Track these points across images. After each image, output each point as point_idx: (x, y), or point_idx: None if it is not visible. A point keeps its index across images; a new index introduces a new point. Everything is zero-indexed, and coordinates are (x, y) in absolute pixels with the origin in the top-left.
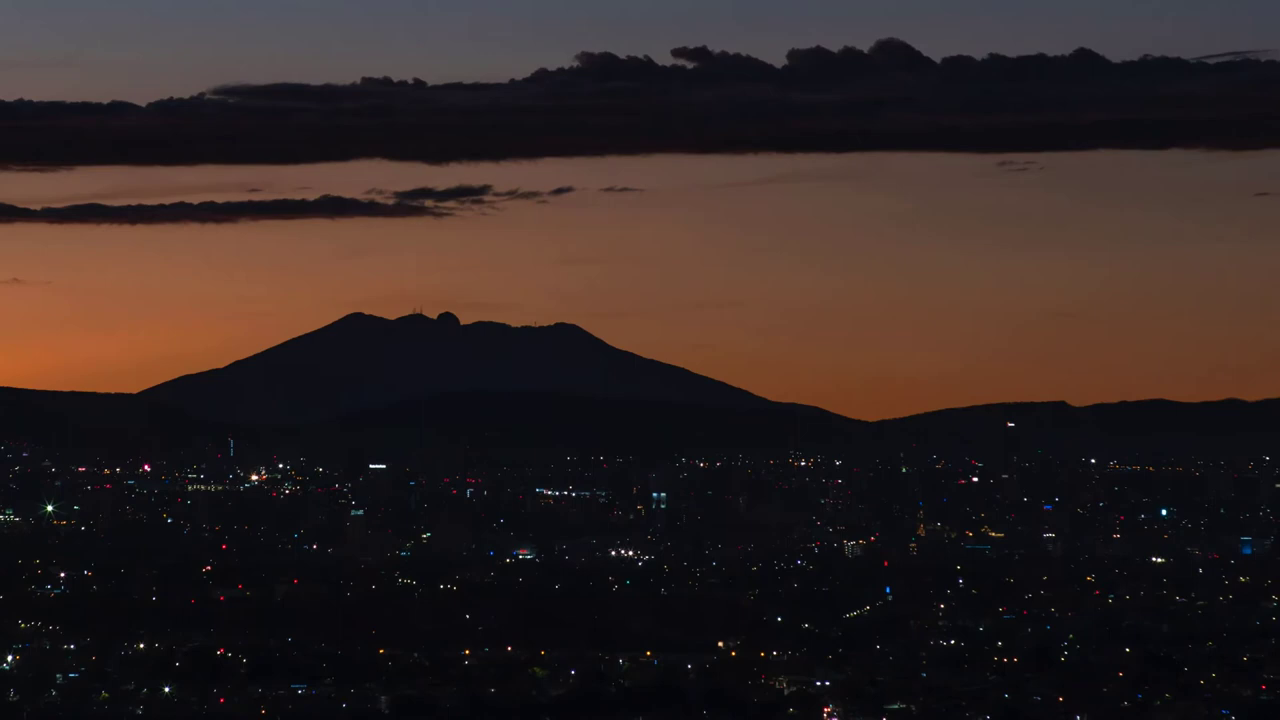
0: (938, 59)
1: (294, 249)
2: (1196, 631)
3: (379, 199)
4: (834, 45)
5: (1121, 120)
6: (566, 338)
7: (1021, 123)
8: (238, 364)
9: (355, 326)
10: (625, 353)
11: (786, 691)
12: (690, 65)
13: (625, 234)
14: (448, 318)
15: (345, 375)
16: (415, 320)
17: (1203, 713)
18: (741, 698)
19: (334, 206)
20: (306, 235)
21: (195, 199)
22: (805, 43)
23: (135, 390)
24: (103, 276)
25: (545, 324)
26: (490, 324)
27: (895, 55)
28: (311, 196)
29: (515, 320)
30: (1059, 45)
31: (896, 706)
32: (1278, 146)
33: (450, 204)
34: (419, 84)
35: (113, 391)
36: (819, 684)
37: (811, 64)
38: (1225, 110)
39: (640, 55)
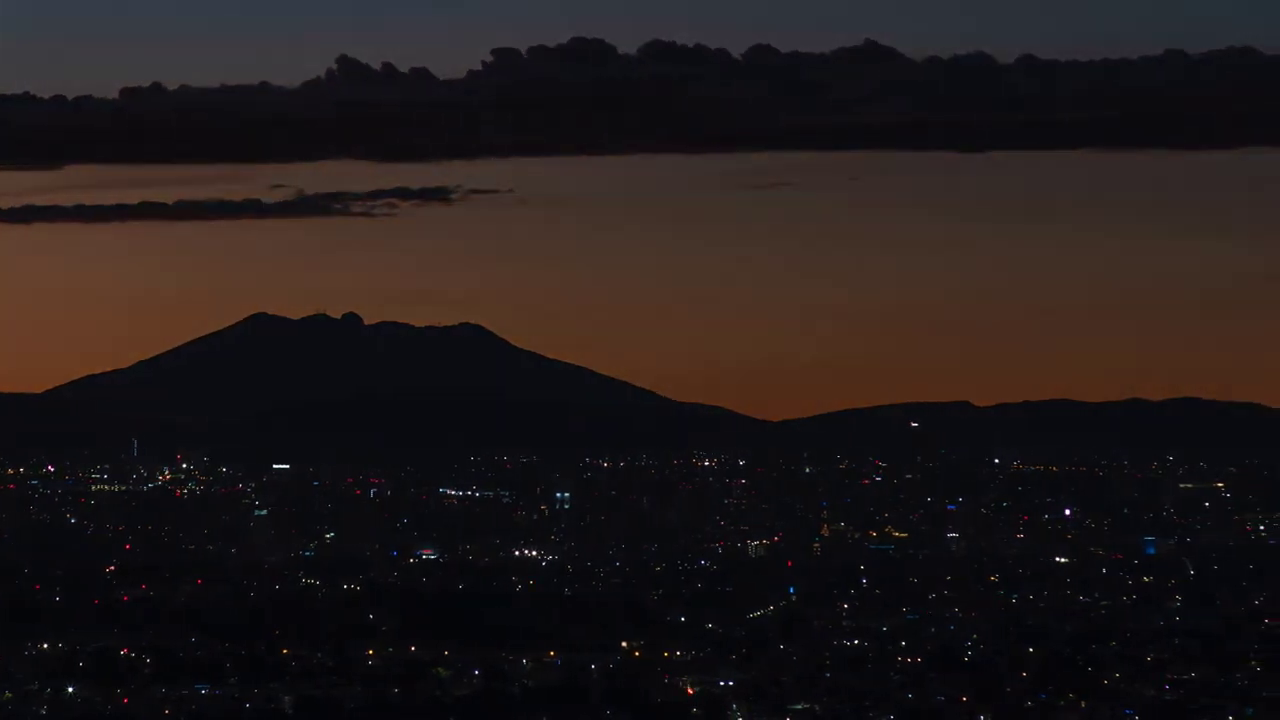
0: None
1: (223, 247)
2: (1100, 631)
3: (350, 199)
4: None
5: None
6: (471, 338)
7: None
8: (142, 363)
9: (259, 326)
10: (529, 352)
11: (690, 692)
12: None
13: (548, 234)
14: (352, 318)
15: (249, 375)
16: (318, 320)
17: (1106, 713)
18: (645, 698)
19: (309, 206)
20: (254, 233)
21: (166, 197)
22: (766, 40)
23: (39, 389)
24: (40, 277)
25: (450, 324)
26: (395, 324)
27: (867, 54)
28: (286, 196)
29: (421, 320)
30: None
31: (800, 706)
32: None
33: (414, 203)
34: (390, 72)
35: (16, 390)
36: (722, 684)
37: (774, 61)
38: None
39: (602, 51)
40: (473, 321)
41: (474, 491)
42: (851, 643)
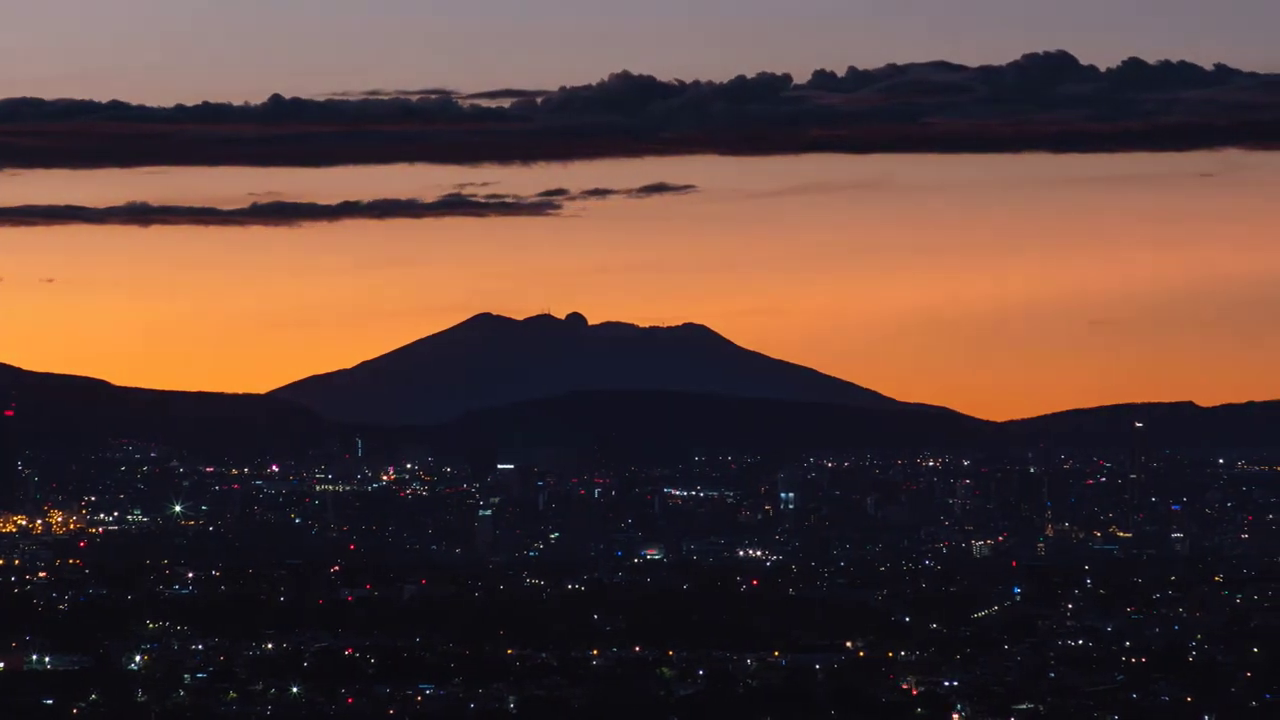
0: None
1: (427, 248)
2: None
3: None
4: None
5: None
6: (694, 338)
7: None
8: (365, 364)
9: (483, 326)
10: (754, 353)
11: (915, 692)
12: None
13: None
14: (576, 318)
15: (472, 375)
16: (543, 320)
17: None
18: (869, 698)
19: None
20: (435, 233)
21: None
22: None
23: (263, 390)
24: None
25: (673, 324)
26: (617, 324)
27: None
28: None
29: (644, 320)
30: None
31: (1024, 707)
32: None
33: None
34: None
35: (240, 392)
36: (947, 684)
37: None
38: None
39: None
40: (696, 322)
41: (698, 491)
42: (1076, 643)
